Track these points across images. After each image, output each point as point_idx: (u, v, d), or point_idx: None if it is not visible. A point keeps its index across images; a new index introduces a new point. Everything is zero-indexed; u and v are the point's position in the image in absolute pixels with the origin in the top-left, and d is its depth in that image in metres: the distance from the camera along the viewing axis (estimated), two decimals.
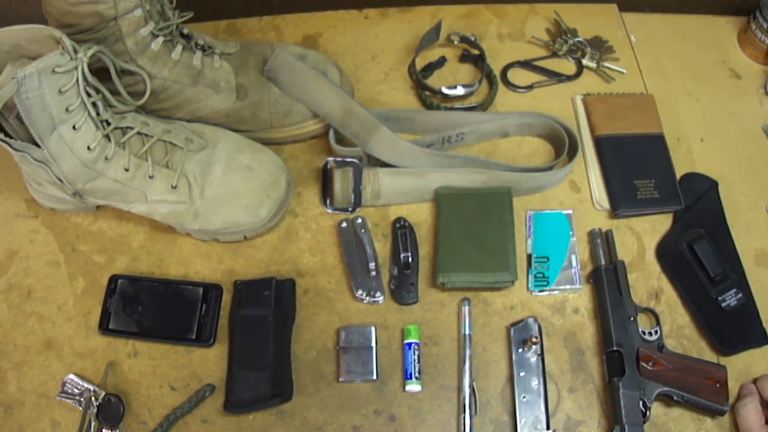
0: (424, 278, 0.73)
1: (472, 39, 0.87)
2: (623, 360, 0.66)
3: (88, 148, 0.64)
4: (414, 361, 0.68)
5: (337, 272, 0.74)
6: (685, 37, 0.92)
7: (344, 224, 0.75)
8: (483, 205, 0.74)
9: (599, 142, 0.81)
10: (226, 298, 0.72)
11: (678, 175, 0.78)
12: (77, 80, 0.61)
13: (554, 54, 0.89)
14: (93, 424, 0.65)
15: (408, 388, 0.67)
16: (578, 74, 0.88)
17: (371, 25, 0.92)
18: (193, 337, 0.69)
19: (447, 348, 0.70)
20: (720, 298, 0.71)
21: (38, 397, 0.67)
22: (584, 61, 0.88)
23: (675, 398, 0.64)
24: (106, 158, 0.66)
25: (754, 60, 0.90)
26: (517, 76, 0.88)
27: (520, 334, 0.69)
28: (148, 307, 0.70)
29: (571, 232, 0.75)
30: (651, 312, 0.70)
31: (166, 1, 0.71)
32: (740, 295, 0.71)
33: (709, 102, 0.86)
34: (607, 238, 0.74)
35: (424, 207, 0.78)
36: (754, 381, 0.66)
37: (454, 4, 0.93)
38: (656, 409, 0.66)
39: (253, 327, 0.67)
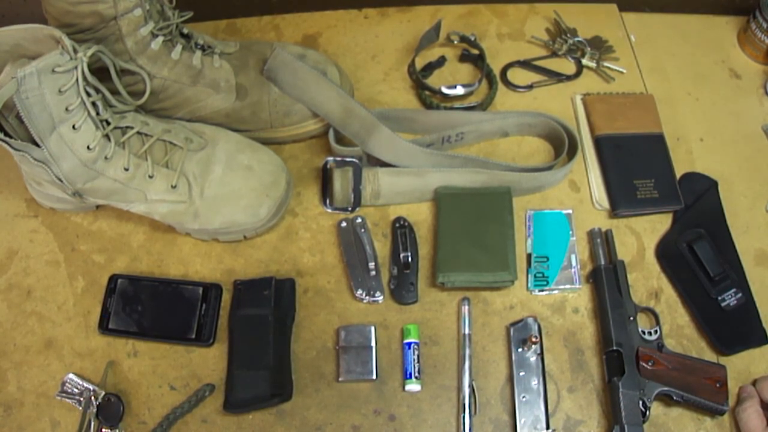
0: (423, 278, 0.73)
1: (472, 39, 0.87)
2: (623, 360, 0.66)
3: (88, 147, 0.64)
4: (414, 360, 0.68)
5: (337, 272, 0.74)
6: (685, 37, 0.92)
7: (344, 224, 0.75)
8: (483, 205, 0.74)
9: (599, 142, 0.81)
10: (226, 298, 0.72)
11: (678, 175, 0.78)
12: (77, 80, 0.61)
13: (554, 54, 0.89)
14: (93, 423, 0.65)
15: (408, 387, 0.67)
16: (578, 74, 0.88)
17: (371, 24, 0.92)
18: (193, 336, 0.69)
19: (447, 348, 0.70)
20: (720, 298, 0.71)
21: (38, 396, 0.67)
22: (584, 61, 0.88)
23: (675, 398, 0.64)
24: (105, 158, 0.66)
25: (754, 60, 0.90)
26: (517, 75, 0.88)
27: (519, 334, 0.69)
28: (147, 307, 0.70)
29: (570, 232, 0.75)
30: (651, 312, 0.70)
31: (166, 1, 0.71)
32: (740, 295, 0.71)
33: (709, 102, 0.86)
34: (607, 238, 0.74)
35: (424, 207, 0.78)
36: (754, 383, 0.67)
37: (453, 3, 0.93)
38: (656, 409, 0.66)
39: (252, 327, 0.67)
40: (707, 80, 0.88)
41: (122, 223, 0.76)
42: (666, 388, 0.64)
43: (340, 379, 0.68)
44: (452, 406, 0.67)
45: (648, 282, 0.73)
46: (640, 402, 0.64)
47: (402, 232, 0.74)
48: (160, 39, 0.70)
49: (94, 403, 0.65)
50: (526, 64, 0.89)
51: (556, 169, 0.77)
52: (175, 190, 0.69)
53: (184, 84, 0.73)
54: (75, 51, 0.60)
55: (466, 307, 0.70)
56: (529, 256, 0.74)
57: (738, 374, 0.68)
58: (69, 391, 0.67)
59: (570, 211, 0.77)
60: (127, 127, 0.67)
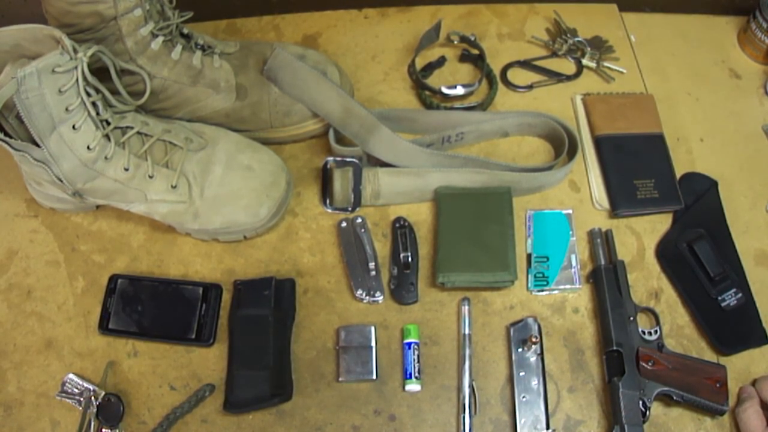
0: (423, 278, 0.73)
1: (472, 39, 0.87)
2: (623, 360, 0.66)
3: (88, 147, 0.64)
4: (414, 360, 0.68)
5: (337, 272, 0.74)
6: (685, 37, 0.92)
7: (344, 224, 0.75)
8: (483, 205, 0.74)
9: (599, 142, 0.81)
10: (226, 298, 0.72)
11: (678, 175, 0.78)
12: (77, 80, 0.61)
13: (554, 54, 0.89)
14: (93, 423, 0.65)
15: (408, 387, 0.67)
16: (578, 74, 0.88)
17: (371, 25, 0.92)
18: (193, 336, 0.69)
19: (447, 348, 0.70)
20: (720, 298, 0.71)
21: (38, 396, 0.67)
22: (584, 61, 0.88)
23: (675, 398, 0.64)
24: (105, 158, 0.66)
25: (754, 60, 0.90)
26: (517, 75, 0.88)
27: (519, 334, 0.69)
28: (147, 307, 0.70)
29: (570, 232, 0.75)
30: (651, 312, 0.70)
31: (166, 1, 0.71)
32: (740, 295, 0.71)
33: (709, 102, 0.86)
34: (607, 238, 0.74)
35: (424, 207, 0.78)
36: (753, 383, 0.67)
37: (454, 3, 0.93)
38: (656, 409, 0.66)
39: (252, 327, 0.67)
40: (707, 80, 0.88)
41: (122, 223, 0.76)
42: (666, 388, 0.64)
43: (340, 379, 0.68)
44: (452, 406, 0.67)
45: (648, 282, 0.73)
46: (640, 402, 0.64)
47: (402, 232, 0.74)
48: (160, 39, 0.70)
49: (94, 403, 0.65)
50: (526, 64, 0.89)
51: (556, 169, 0.77)
52: (175, 190, 0.69)
53: (184, 84, 0.73)
54: (75, 51, 0.60)
55: (466, 307, 0.70)
56: (529, 256, 0.74)
57: (738, 374, 0.68)
58: (69, 391, 0.67)
59: (570, 211, 0.77)
60: (127, 127, 0.67)
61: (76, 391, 0.67)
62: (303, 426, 0.66)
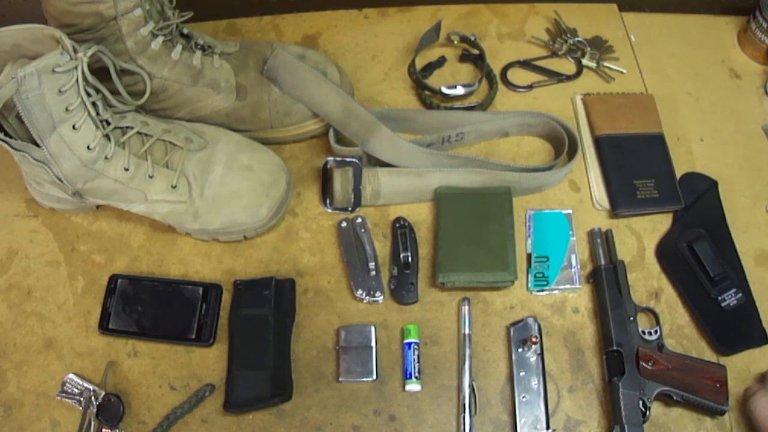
0: (423, 278, 0.73)
1: (472, 39, 0.87)
2: (623, 360, 0.66)
3: (88, 147, 0.64)
4: (414, 360, 0.68)
5: (337, 272, 0.74)
6: (685, 37, 0.92)
7: (344, 224, 0.75)
8: (483, 205, 0.74)
9: (599, 142, 0.81)
10: (226, 298, 0.72)
11: (678, 175, 0.78)
12: (77, 80, 0.61)
13: (554, 54, 0.89)
14: (93, 423, 0.65)
15: (408, 387, 0.67)
16: (578, 74, 0.88)
17: (371, 24, 0.92)
18: (193, 336, 0.69)
19: (447, 348, 0.70)
20: (720, 298, 0.71)
21: (38, 396, 0.67)
22: (584, 61, 0.88)
23: (675, 398, 0.64)
24: (105, 158, 0.66)
25: (754, 60, 0.90)
26: (517, 75, 0.88)
27: (519, 334, 0.69)
28: (147, 307, 0.70)
29: (570, 232, 0.75)
30: (651, 312, 0.70)
31: (166, 1, 0.71)
32: (740, 295, 0.71)
33: (709, 102, 0.86)
34: (607, 238, 0.74)
35: (424, 207, 0.78)
36: (762, 379, 0.66)
37: (454, 3, 0.93)
38: (656, 409, 0.66)
39: (253, 327, 0.67)
40: (707, 80, 0.88)
41: (122, 223, 0.76)
42: (666, 388, 0.64)
43: (340, 379, 0.68)
44: (452, 406, 0.67)
45: (648, 282, 0.73)
46: (640, 402, 0.64)
47: (402, 232, 0.74)
48: (160, 39, 0.70)
49: (94, 403, 0.65)
50: (526, 64, 0.89)
51: (556, 169, 0.77)
52: (175, 190, 0.69)
53: (184, 84, 0.73)
54: (75, 51, 0.60)
55: (466, 307, 0.70)
56: (529, 256, 0.74)
57: (738, 374, 0.68)
58: (69, 391, 0.67)
59: (570, 211, 0.77)
60: (127, 127, 0.67)
61: (76, 391, 0.67)
62: (303, 426, 0.66)
